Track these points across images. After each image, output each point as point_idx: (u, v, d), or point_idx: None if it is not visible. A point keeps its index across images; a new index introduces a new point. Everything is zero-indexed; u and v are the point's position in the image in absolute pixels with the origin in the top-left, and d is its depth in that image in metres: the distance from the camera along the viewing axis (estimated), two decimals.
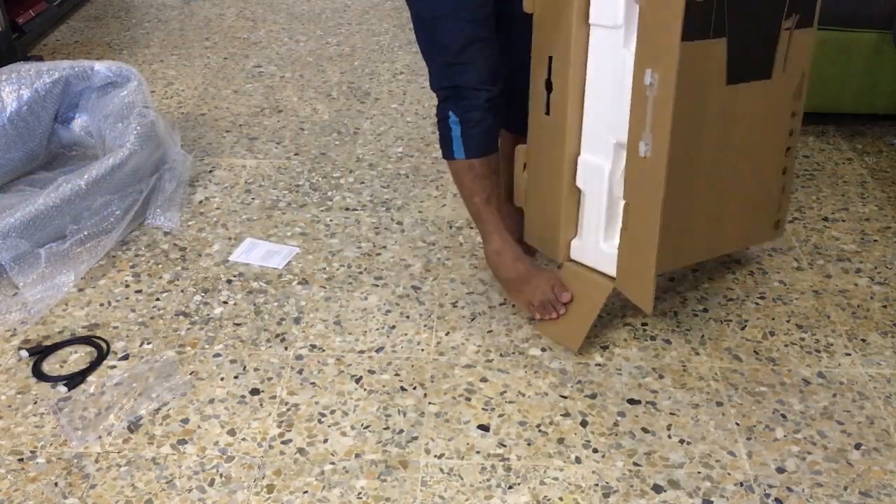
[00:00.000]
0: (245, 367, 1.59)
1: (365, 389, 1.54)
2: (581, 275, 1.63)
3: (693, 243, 1.65)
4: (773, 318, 1.71)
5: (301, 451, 1.41)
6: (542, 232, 1.70)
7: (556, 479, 1.36)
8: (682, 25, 1.36)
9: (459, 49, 1.59)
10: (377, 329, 1.68)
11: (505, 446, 1.42)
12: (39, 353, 1.61)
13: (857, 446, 1.42)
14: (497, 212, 1.70)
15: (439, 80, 1.66)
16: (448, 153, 1.68)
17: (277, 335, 1.66)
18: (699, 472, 1.37)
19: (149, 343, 1.65)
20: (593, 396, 1.52)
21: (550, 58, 1.56)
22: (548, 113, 1.60)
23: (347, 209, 2.07)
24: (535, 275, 1.67)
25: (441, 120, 1.67)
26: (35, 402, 1.51)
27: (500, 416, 1.48)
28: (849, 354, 1.62)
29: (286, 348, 1.63)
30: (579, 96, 1.55)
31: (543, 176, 1.66)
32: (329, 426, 1.46)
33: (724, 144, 1.58)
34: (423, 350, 1.63)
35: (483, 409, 1.49)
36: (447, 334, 1.66)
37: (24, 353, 1.60)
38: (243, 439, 1.43)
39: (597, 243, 1.60)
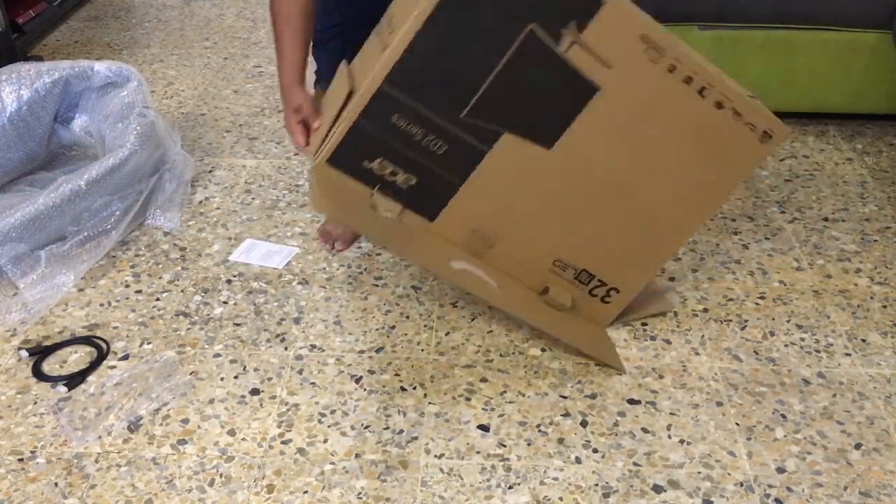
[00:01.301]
0: (245, 367, 1.59)
1: (365, 389, 1.54)
2: None
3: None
4: (773, 318, 1.71)
5: (301, 451, 1.41)
6: None
7: (556, 479, 1.36)
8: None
9: None
10: (377, 329, 1.68)
11: (505, 446, 1.42)
12: (39, 353, 1.61)
13: (857, 446, 1.42)
14: None
15: None
16: None
17: (277, 335, 1.66)
18: (699, 472, 1.37)
19: (149, 343, 1.65)
20: (593, 396, 1.52)
21: None
22: None
23: None
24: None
25: None
26: (35, 402, 1.51)
27: (500, 416, 1.48)
28: (849, 354, 1.62)
29: (286, 348, 1.63)
30: None
31: None
32: (329, 426, 1.46)
33: None
34: (423, 350, 1.63)
35: (483, 409, 1.49)
36: (447, 334, 1.66)
37: (24, 353, 1.60)
38: (243, 439, 1.43)
39: None
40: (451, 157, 1.45)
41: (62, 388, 1.53)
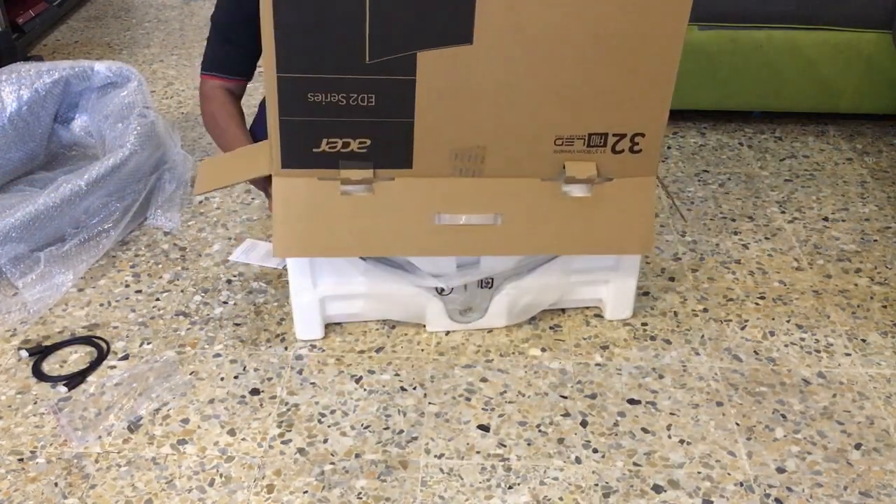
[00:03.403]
0: (245, 367, 1.59)
1: (365, 389, 1.54)
2: None
3: None
4: (773, 318, 1.71)
5: (301, 451, 1.41)
6: None
7: (556, 479, 1.36)
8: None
9: None
10: (377, 329, 1.68)
11: (505, 446, 1.42)
12: (39, 353, 1.61)
13: (857, 446, 1.42)
14: None
15: None
16: None
17: (277, 335, 1.66)
18: (699, 472, 1.37)
19: (149, 343, 1.65)
20: (593, 396, 1.52)
21: None
22: None
23: None
24: None
25: None
26: (35, 402, 1.51)
27: (500, 416, 1.48)
28: (849, 354, 1.62)
29: (286, 348, 1.63)
30: None
31: None
32: (329, 426, 1.46)
33: None
34: (423, 350, 1.63)
35: (483, 409, 1.49)
36: (447, 334, 1.66)
37: (24, 353, 1.61)
38: (243, 439, 1.43)
39: None
40: (386, 101, 1.35)
41: (62, 388, 1.53)
